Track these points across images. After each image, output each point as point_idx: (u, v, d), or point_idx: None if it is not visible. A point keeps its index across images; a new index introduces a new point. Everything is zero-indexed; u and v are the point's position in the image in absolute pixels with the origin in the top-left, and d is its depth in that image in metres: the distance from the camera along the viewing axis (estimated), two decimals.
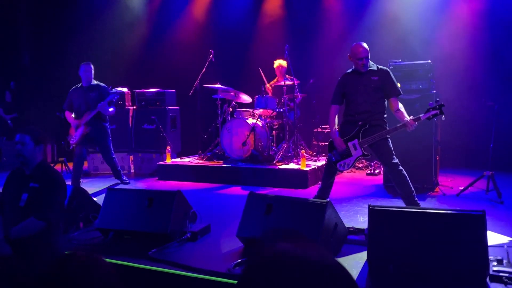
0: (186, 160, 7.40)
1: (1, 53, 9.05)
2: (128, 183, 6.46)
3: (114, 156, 6.32)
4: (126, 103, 7.89)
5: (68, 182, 4.08)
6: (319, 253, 0.92)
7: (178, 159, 7.59)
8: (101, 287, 1.08)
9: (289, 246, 0.93)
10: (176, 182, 6.76)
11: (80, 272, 1.07)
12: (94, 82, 6.15)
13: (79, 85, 6.16)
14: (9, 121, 8.85)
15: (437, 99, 4.63)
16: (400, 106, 4.26)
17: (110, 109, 6.08)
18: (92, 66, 6.11)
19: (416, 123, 4.09)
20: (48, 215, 3.07)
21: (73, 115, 6.09)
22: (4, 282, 2.26)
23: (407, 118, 4.12)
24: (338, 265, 0.92)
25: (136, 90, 7.92)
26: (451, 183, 5.97)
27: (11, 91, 9.06)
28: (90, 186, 6.19)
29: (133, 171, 7.75)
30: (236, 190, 6.17)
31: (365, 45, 4.28)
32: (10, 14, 9.36)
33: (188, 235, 3.88)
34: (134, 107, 7.90)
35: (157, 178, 7.14)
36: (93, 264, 1.11)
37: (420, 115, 4.11)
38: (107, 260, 3.37)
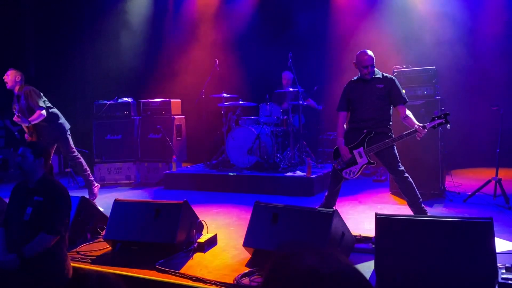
0: (191, 169, 7.42)
1: (8, 65, 9.14)
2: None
3: (76, 154, 5.89)
4: (132, 113, 7.94)
5: (73, 194, 4.09)
6: (347, 266, 0.94)
7: (184, 168, 7.62)
8: None
9: (315, 261, 0.94)
10: (182, 191, 6.78)
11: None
12: (21, 88, 5.71)
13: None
14: (16, 133, 8.91)
15: (442, 108, 4.61)
16: (408, 112, 4.24)
17: (32, 117, 5.61)
18: (10, 72, 5.71)
19: (427, 129, 4.07)
20: (58, 228, 3.09)
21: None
22: None
23: (417, 124, 4.10)
24: (363, 277, 0.95)
25: (142, 100, 7.97)
26: (458, 189, 5.94)
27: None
28: (97, 197, 6.21)
29: (139, 180, 7.78)
30: (242, 198, 6.18)
31: (370, 53, 4.29)
32: (16, 27, 9.47)
33: (194, 245, 3.88)
34: (140, 117, 7.96)
35: (163, 187, 7.17)
36: (105, 283, 1.12)
37: (426, 124, 4.09)
38: (116, 272, 3.36)
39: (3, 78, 5.77)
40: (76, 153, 5.97)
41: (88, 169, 6.07)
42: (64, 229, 3.15)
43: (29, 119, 5.61)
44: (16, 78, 5.68)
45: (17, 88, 5.70)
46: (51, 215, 3.10)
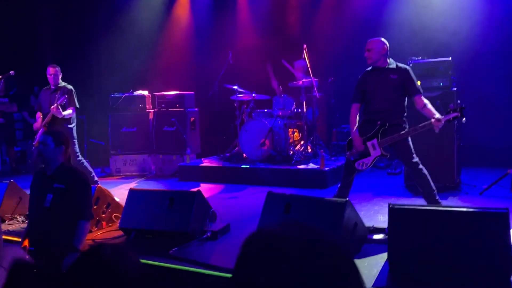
0: (205, 161, 7.48)
1: (25, 59, 9.31)
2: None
3: (80, 159, 6.04)
4: (147, 106, 8.03)
5: None
6: (318, 233, 0.92)
7: (197, 160, 7.68)
8: (128, 274, 1.14)
9: (277, 228, 0.92)
10: (196, 182, 6.84)
11: (111, 258, 1.13)
12: (61, 83, 6.10)
13: (48, 86, 6.16)
14: (34, 124, 9.09)
15: (458, 101, 4.53)
16: (426, 102, 4.16)
17: (65, 112, 5.87)
18: (58, 69, 6.09)
19: (443, 122, 4.00)
20: (91, 214, 3.32)
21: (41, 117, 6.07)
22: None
23: (437, 115, 4.02)
24: (336, 246, 0.93)
25: (156, 93, 8.04)
26: (474, 182, 5.86)
27: (35, 96, 9.32)
28: (113, 187, 6.31)
29: (154, 172, 7.87)
30: (255, 190, 6.19)
31: (376, 39, 4.26)
32: (33, 20, 9.62)
33: (208, 234, 3.93)
34: (155, 109, 8.03)
35: (177, 179, 7.24)
36: (123, 253, 1.16)
37: (441, 117, 4.02)
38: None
39: (48, 73, 6.07)
40: (81, 157, 6.10)
41: (92, 171, 6.16)
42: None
43: (63, 113, 5.86)
44: (60, 74, 6.15)
45: (59, 83, 6.11)
46: (81, 202, 3.22)
